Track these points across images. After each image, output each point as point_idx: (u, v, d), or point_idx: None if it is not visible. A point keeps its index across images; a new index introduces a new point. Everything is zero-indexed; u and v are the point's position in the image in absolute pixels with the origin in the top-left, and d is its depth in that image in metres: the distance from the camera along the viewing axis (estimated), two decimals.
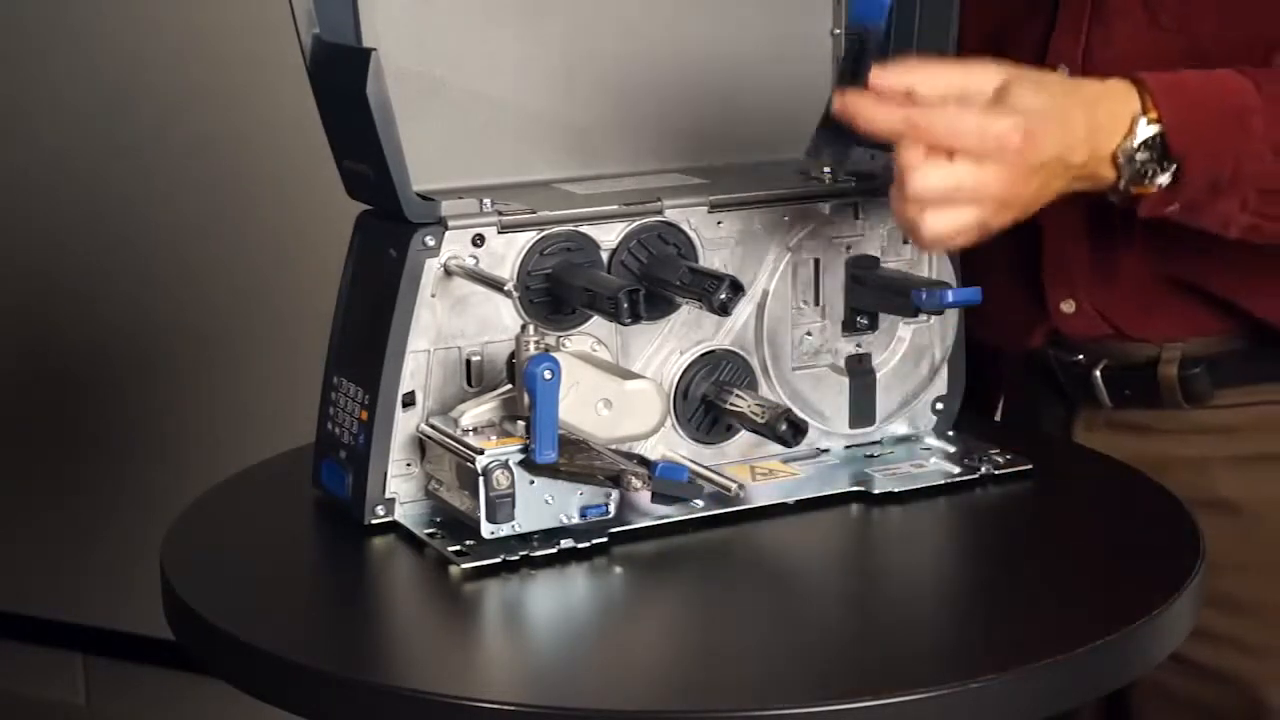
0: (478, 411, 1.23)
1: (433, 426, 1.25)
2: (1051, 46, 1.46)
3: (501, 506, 1.19)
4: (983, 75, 1.21)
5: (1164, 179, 1.26)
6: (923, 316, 1.38)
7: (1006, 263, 1.50)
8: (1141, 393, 1.47)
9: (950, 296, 1.30)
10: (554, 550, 1.20)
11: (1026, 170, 1.20)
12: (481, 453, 1.19)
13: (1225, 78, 1.28)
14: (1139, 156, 1.25)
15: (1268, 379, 1.45)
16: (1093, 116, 1.23)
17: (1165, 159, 1.25)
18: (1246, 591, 1.42)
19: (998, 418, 1.63)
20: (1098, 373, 1.49)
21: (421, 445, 1.26)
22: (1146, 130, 1.24)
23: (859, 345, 1.39)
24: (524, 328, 1.21)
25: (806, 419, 1.34)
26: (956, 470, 1.35)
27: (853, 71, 1.22)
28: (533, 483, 1.20)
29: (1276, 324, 1.43)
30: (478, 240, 1.26)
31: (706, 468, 1.29)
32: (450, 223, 1.25)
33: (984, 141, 1.18)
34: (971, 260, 1.50)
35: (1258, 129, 1.27)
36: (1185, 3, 1.40)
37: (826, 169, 1.38)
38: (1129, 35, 1.42)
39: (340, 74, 1.24)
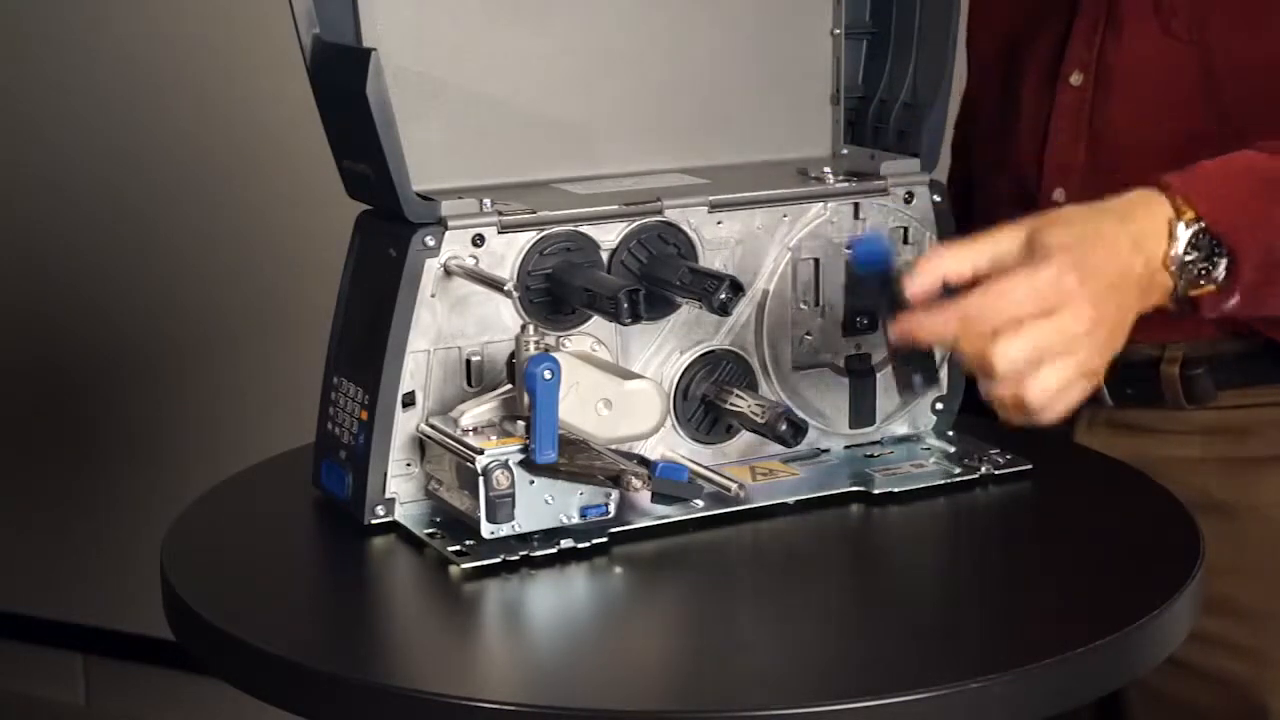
0: (478, 411, 1.23)
1: (433, 426, 1.25)
2: (1068, 53, 1.46)
3: (501, 506, 1.19)
4: (1007, 236, 1.18)
5: (1220, 272, 1.24)
6: None
7: None
8: (1143, 392, 1.47)
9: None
10: (554, 550, 1.20)
11: (1095, 299, 1.17)
12: (481, 453, 1.19)
13: (1242, 157, 1.27)
14: (1188, 258, 1.22)
15: (1270, 380, 1.45)
16: (1130, 226, 1.21)
17: (1215, 252, 1.23)
18: (1240, 595, 1.41)
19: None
20: None
21: (421, 445, 1.26)
22: (1186, 232, 1.22)
23: (859, 345, 1.39)
24: (524, 328, 1.21)
25: (806, 419, 1.34)
26: (956, 470, 1.35)
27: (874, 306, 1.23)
28: (533, 483, 1.20)
29: (1265, 330, 1.43)
30: (478, 240, 1.26)
31: (706, 468, 1.29)
32: (450, 223, 1.25)
33: (1042, 297, 1.15)
34: None
35: None
36: (1197, 12, 1.40)
37: (826, 169, 1.38)
38: (1141, 43, 1.42)
39: (340, 74, 1.24)
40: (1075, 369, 1.17)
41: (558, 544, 1.21)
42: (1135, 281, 1.21)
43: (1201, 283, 1.24)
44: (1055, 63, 1.47)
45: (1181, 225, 1.22)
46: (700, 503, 1.27)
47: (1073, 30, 1.46)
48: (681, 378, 1.33)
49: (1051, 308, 1.15)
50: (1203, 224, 1.22)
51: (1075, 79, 1.45)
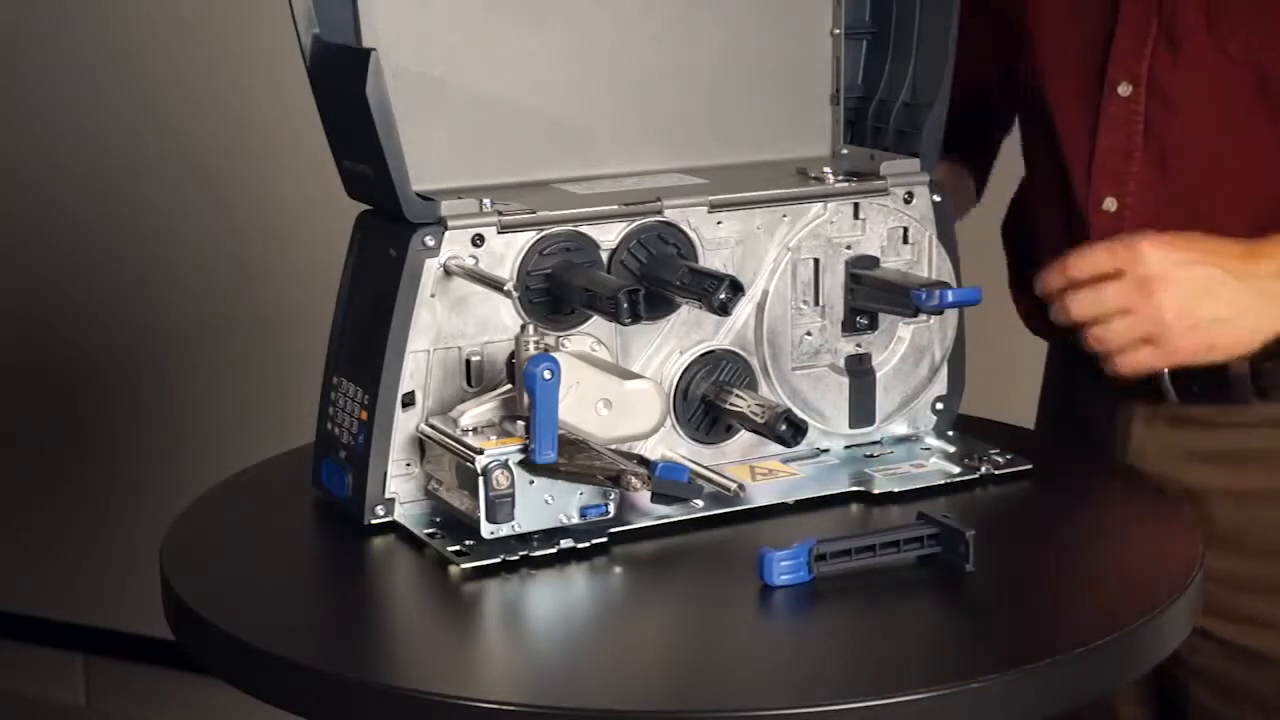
0: (478, 411, 1.23)
1: (433, 426, 1.25)
2: (1113, 63, 1.44)
3: (501, 506, 1.19)
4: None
5: None
6: (923, 316, 1.38)
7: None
8: (1210, 388, 1.45)
9: (950, 296, 1.30)
10: (554, 550, 1.20)
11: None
12: (481, 453, 1.19)
13: None
14: None
15: None
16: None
17: None
18: None
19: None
20: (1165, 371, 1.47)
21: (421, 445, 1.26)
22: None
23: (859, 345, 1.39)
24: (524, 328, 1.21)
25: (806, 419, 1.34)
26: (956, 470, 1.35)
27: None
28: (533, 483, 1.20)
29: None
30: (478, 240, 1.26)
31: (706, 468, 1.29)
32: (450, 223, 1.25)
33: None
34: (1026, 257, 1.50)
35: None
36: (1254, 33, 1.39)
37: (826, 169, 1.38)
38: (1197, 63, 1.41)
39: (340, 74, 1.24)
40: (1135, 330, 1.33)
41: (558, 544, 1.21)
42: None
43: None
44: (1097, 70, 1.46)
45: None
46: (700, 503, 1.27)
47: (1115, 39, 1.44)
48: (681, 378, 1.33)
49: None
50: None
51: (1124, 89, 1.44)
